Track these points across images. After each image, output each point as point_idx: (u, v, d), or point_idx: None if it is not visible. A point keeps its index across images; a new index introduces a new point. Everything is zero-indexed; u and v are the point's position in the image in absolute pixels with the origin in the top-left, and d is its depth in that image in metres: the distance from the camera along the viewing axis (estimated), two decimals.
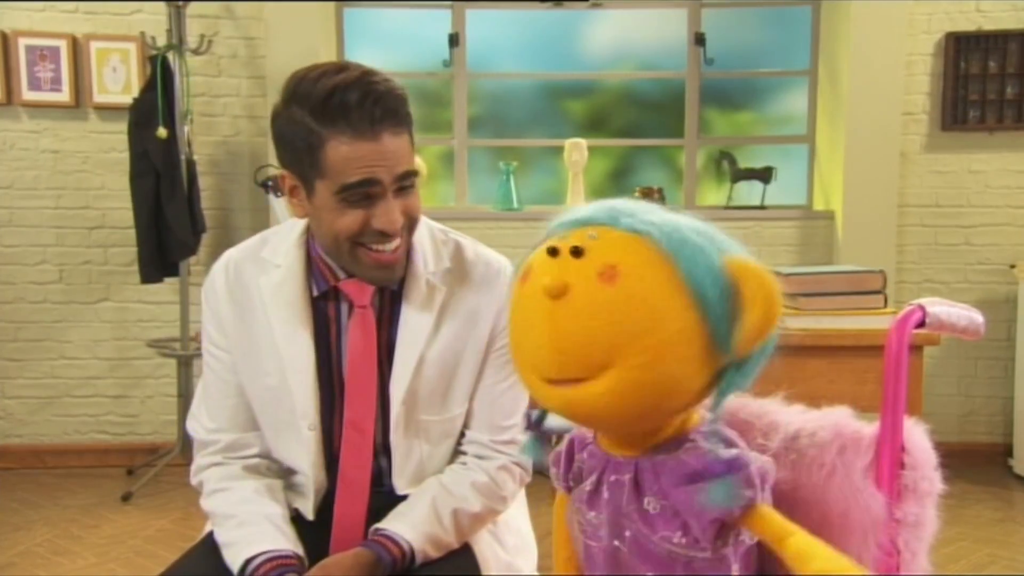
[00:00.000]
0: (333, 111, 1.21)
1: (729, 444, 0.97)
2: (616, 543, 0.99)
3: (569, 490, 1.08)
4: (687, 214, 0.94)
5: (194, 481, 1.43)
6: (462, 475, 1.40)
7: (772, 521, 0.91)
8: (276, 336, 1.36)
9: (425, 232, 1.41)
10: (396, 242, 1.29)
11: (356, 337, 1.36)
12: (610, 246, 0.90)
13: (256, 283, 1.38)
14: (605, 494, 1.00)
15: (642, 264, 0.88)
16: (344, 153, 1.22)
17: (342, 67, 1.24)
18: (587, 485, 1.02)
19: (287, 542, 1.30)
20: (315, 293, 1.38)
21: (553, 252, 0.93)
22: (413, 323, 1.37)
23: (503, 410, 1.42)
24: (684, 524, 0.94)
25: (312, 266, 1.38)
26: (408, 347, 1.36)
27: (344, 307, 1.38)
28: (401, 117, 1.25)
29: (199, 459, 1.43)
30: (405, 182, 1.27)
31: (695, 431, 0.97)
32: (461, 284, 1.40)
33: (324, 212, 1.27)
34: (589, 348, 0.88)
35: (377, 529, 1.32)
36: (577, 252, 0.91)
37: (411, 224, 1.31)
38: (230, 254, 1.44)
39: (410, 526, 1.31)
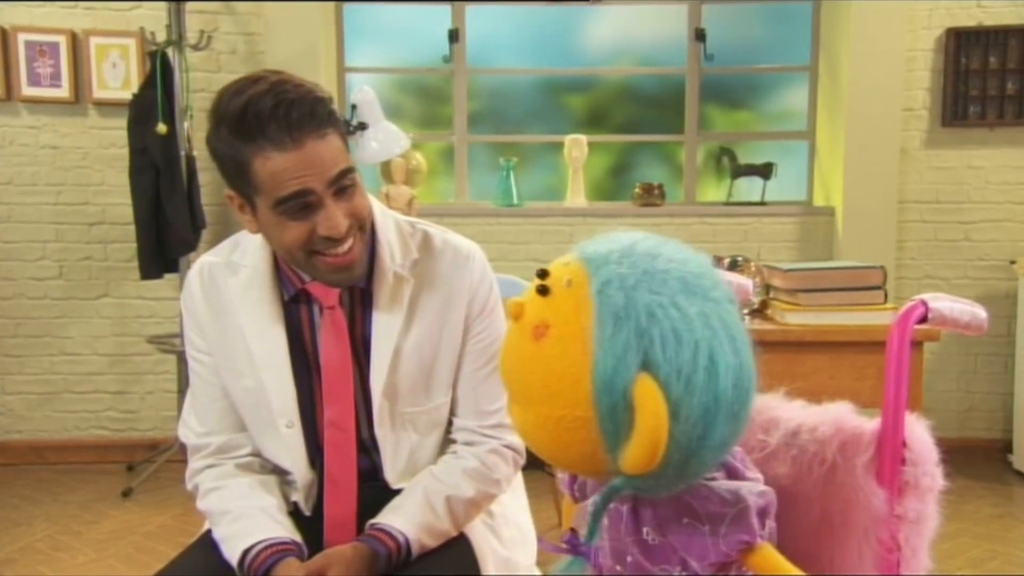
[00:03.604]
0: (250, 126, 1.19)
1: (732, 474, 0.96)
2: (618, 568, 0.99)
3: (576, 499, 1.08)
4: (690, 262, 0.90)
5: (189, 486, 1.44)
6: (452, 463, 1.40)
7: (773, 563, 0.91)
8: (248, 336, 1.36)
9: (391, 225, 1.40)
10: (348, 244, 1.28)
11: (328, 337, 1.37)
12: (560, 303, 0.88)
13: (227, 285, 1.39)
14: (605, 520, 0.99)
15: (570, 338, 0.86)
16: (271, 168, 1.20)
17: (256, 79, 1.22)
18: (589, 505, 1.01)
19: (284, 530, 1.31)
20: (285, 297, 1.38)
21: (540, 275, 0.93)
22: (385, 317, 1.37)
23: (487, 395, 1.42)
24: (683, 560, 0.94)
25: (280, 269, 1.38)
26: (382, 341, 1.36)
27: (316, 308, 1.38)
28: (321, 119, 1.22)
29: (192, 463, 1.44)
30: (343, 182, 1.25)
31: None
32: (431, 273, 1.40)
33: (270, 228, 1.27)
34: (509, 382, 0.94)
35: (372, 524, 1.33)
36: (544, 291, 0.90)
37: (360, 223, 1.30)
38: (204, 259, 1.44)
39: (404, 518, 1.32)
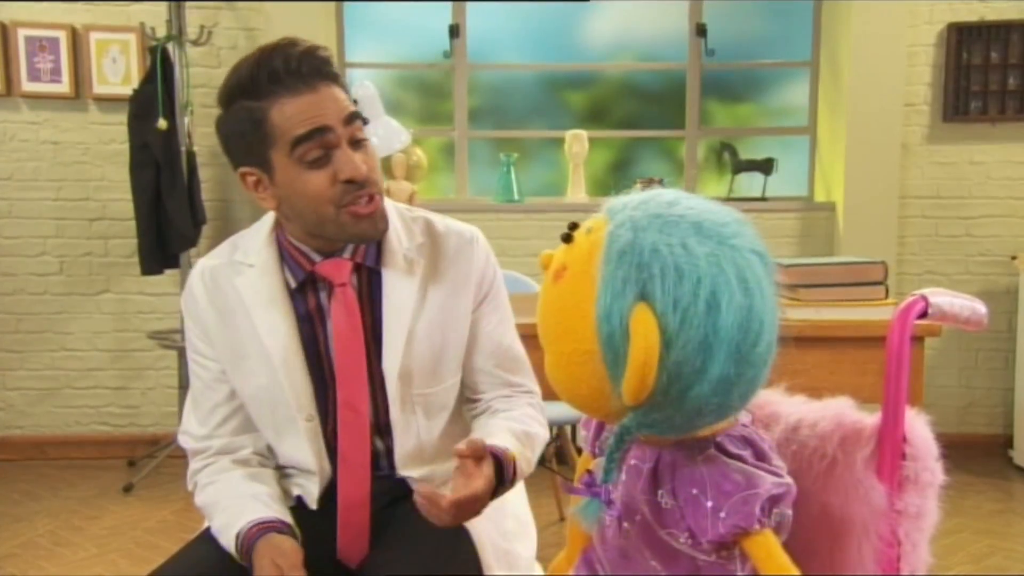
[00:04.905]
0: (265, 82, 1.25)
1: (758, 455, 0.96)
2: (626, 524, 0.99)
3: (595, 454, 1.08)
4: (713, 212, 0.92)
5: (189, 485, 1.45)
6: (510, 412, 1.43)
7: (768, 552, 0.91)
8: (260, 334, 1.36)
9: (393, 212, 1.42)
10: (371, 189, 1.30)
11: (340, 316, 1.36)
12: (577, 248, 0.93)
13: (233, 285, 1.39)
14: (623, 474, 1.00)
15: (580, 276, 0.90)
16: (288, 112, 1.25)
17: (260, 48, 1.30)
18: (605, 447, 1.02)
19: (272, 512, 1.31)
20: (292, 285, 1.38)
21: (570, 227, 0.97)
22: (397, 297, 1.37)
23: (511, 368, 1.46)
24: (690, 529, 0.94)
25: (285, 258, 1.39)
26: (396, 322, 1.37)
27: (324, 294, 1.39)
28: (328, 74, 1.28)
29: (192, 464, 1.45)
30: (356, 133, 1.29)
31: (725, 433, 0.96)
32: (437, 256, 1.42)
33: (290, 186, 1.28)
34: (539, 327, 0.97)
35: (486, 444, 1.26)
36: (568, 238, 0.95)
37: (376, 179, 1.33)
38: (203, 262, 1.45)
39: (505, 440, 1.30)
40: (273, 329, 1.36)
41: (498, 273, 1.48)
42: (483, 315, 1.43)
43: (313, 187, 1.27)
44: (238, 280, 1.38)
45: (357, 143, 1.30)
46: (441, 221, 1.46)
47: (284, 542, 1.26)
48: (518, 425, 1.38)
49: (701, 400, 0.88)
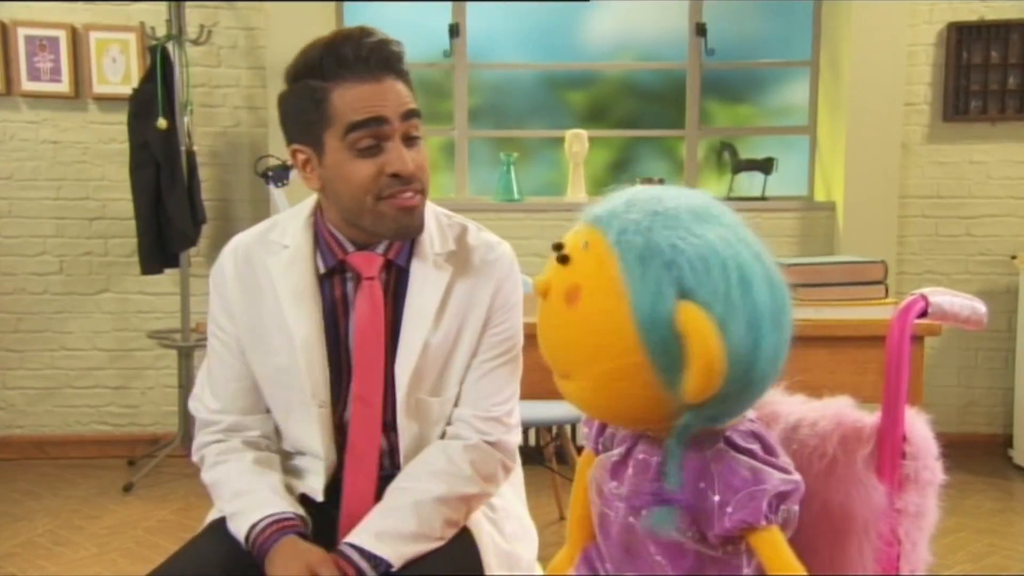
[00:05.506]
0: (334, 65, 1.27)
1: (767, 449, 0.96)
2: (631, 520, 0.99)
3: (597, 452, 1.08)
4: (692, 196, 0.93)
5: (195, 457, 1.45)
6: (418, 467, 1.38)
7: (773, 547, 0.91)
8: (285, 315, 1.37)
9: (431, 215, 1.42)
10: (415, 187, 1.31)
11: (363, 309, 1.37)
12: (583, 265, 0.91)
13: (264, 264, 1.40)
14: (630, 469, 1.00)
15: (602, 292, 0.88)
16: (349, 98, 1.27)
17: (337, 31, 1.32)
18: (614, 455, 1.02)
19: (288, 505, 1.33)
20: (322, 270, 1.39)
21: (556, 248, 0.95)
22: (419, 303, 1.38)
23: (490, 387, 1.41)
24: (697, 522, 0.94)
25: (320, 243, 1.40)
26: (414, 327, 1.37)
27: (351, 285, 1.39)
28: (396, 68, 1.31)
29: (200, 437, 1.45)
30: (411, 126, 1.30)
31: (733, 428, 0.96)
32: (463, 267, 1.41)
33: (338, 169, 1.30)
34: (555, 356, 0.95)
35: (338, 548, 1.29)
36: (564, 260, 0.93)
37: (423, 181, 1.33)
38: (239, 238, 1.46)
39: (368, 533, 1.29)
40: (299, 313, 1.37)
41: (518, 289, 1.44)
42: (492, 324, 1.41)
43: (359, 176, 1.28)
44: (270, 260, 1.40)
45: (411, 140, 1.31)
46: (476, 232, 1.45)
47: (311, 550, 1.26)
48: (411, 495, 1.32)
49: (761, 375, 0.90)
